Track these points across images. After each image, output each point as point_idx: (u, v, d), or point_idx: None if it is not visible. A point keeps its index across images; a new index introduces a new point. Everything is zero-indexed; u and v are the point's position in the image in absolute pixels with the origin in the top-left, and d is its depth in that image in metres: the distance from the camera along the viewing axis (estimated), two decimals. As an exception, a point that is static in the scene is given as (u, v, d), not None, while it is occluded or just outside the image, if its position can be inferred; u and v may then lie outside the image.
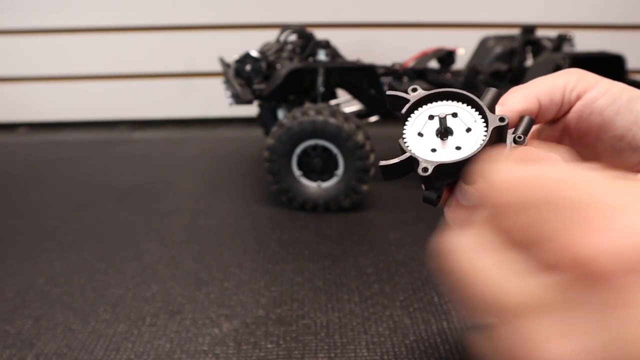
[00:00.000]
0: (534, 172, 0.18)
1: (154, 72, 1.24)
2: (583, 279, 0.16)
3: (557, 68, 0.97)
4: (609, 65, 0.90)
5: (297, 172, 0.75)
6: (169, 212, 0.76)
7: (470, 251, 0.19)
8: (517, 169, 0.19)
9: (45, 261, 0.63)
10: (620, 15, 1.24)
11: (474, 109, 0.28)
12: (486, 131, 0.27)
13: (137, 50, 1.22)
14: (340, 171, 0.74)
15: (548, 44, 0.93)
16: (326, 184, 0.75)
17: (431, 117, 0.28)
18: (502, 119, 0.27)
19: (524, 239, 0.17)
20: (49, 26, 1.18)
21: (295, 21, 1.08)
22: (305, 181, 0.75)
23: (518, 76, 0.90)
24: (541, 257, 0.17)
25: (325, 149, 0.73)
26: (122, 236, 0.69)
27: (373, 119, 0.95)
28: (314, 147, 0.73)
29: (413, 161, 0.26)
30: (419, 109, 0.28)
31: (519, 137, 0.29)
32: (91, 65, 1.23)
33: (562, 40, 0.93)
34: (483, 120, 0.28)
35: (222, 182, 0.88)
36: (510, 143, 0.28)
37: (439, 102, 0.28)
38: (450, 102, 0.28)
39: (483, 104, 0.28)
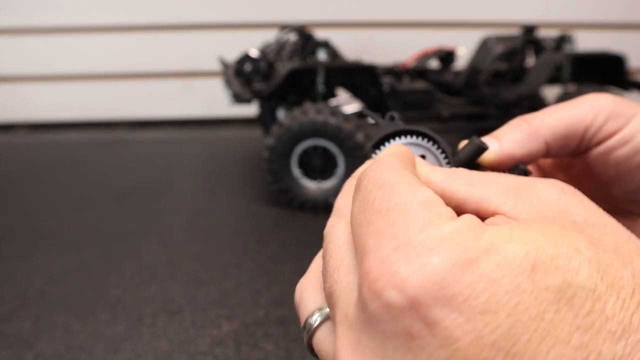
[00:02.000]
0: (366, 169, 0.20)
1: (153, 72, 1.24)
2: (376, 300, 0.16)
3: (558, 68, 0.97)
4: (609, 65, 0.90)
5: (297, 172, 0.75)
6: (169, 212, 0.76)
7: (334, 242, 0.20)
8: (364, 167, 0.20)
9: (44, 261, 0.63)
10: (621, 14, 1.24)
11: (443, 155, 0.26)
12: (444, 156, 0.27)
13: (137, 50, 1.22)
14: (340, 171, 0.74)
15: (549, 44, 0.93)
16: (326, 184, 0.75)
17: None
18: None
19: (356, 242, 0.18)
20: (48, 26, 1.18)
21: (295, 21, 1.07)
22: (305, 181, 0.75)
23: (519, 76, 0.90)
24: (358, 267, 0.17)
25: (325, 149, 0.73)
26: (121, 236, 0.69)
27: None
28: (314, 148, 0.73)
29: None
30: (391, 140, 0.28)
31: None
32: (91, 65, 1.23)
33: (562, 39, 0.92)
34: (438, 148, 0.27)
35: (222, 182, 0.88)
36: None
37: (412, 139, 0.27)
38: (422, 140, 0.26)
39: (457, 157, 0.26)
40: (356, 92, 0.87)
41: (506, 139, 0.26)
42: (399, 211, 0.17)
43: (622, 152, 0.27)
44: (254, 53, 0.83)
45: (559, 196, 0.18)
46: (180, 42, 1.21)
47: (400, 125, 0.27)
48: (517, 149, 0.26)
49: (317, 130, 0.71)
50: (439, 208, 0.17)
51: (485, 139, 0.26)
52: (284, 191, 0.75)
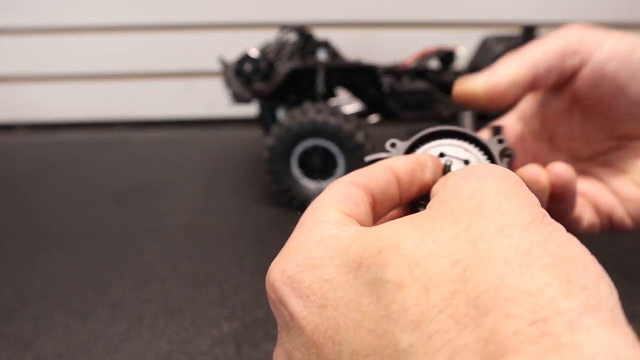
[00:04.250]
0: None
1: (153, 72, 1.24)
2: (269, 299, 0.22)
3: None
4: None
5: (296, 172, 0.74)
6: (169, 213, 0.76)
7: None
8: None
9: (44, 262, 0.63)
10: (622, 13, 1.24)
11: (461, 140, 0.26)
12: (487, 157, 0.26)
13: (137, 50, 1.22)
14: (340, 171, 0.74)
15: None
16: (326, 184, 0.75)
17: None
18: (500, 141, 0.25)
19: None
20: (47, 25, 1.18)
21: (295, 21, 1.07)
22: (305, 181, 0.75)
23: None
24: None
25: (325, 149, 0.73)
26: (121, 236, 0.69)
27: (373, 118, 0.95)
28: (314, 148, 0.73)
29: None
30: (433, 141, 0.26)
31: (507, 151, 0.26)
32: (91, 65, 1.23)
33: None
34: (478, 148, 0.26)
35: (222, 182, 0.88)
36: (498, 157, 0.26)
37: (426, 145, 0.26)
38: (436, 141, 0.26)
39: (472, 133, 0.26)
40: (356, 92, 0.86)
41: (499, 68, 0.29)
42: (298, 227, 0.22)
43: (612, 65, 0.29)
44: (254, 53, 0.83)
45: (467, 182, 0.19)
46: (180, 42, 1.21)
47: (405, 145, 0.26)
48: (510, 72, 0.29)
49: (317, 130, 0.71)
50: (325, 226, 0.20)
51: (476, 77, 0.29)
52: (284, 191, 0.75)
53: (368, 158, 0.26)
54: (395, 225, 0.18)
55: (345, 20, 1.20)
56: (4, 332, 0.50)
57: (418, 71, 0.89)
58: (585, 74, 0.30)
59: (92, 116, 1.27)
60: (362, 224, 0.22)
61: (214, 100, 1.23)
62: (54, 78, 1.23)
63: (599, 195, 0.32)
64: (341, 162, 0.73)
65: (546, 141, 0.34)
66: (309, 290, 0.19)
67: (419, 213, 0.19)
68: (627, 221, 0.32)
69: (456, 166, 0.25)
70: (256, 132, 1.05)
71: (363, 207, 0.23)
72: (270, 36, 0.96)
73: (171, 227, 0.71)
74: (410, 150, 0.26)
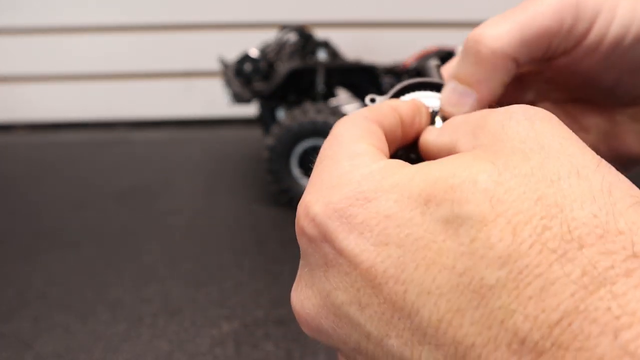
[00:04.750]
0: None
1: (153, 72, 1.24)
2: (302, 236, 0.19)
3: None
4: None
5: (296, 172, 0.74)
6: (169, 213, 0.76)
7: None
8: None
9: (43, 262, 0.63)
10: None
11: (435, 91, 0.27)
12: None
13: (137, 50, 1.21)
14: (340, 171, 0.74)
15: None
16: (326, 184, 0.75)
17: None
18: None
19: None
20: (47, 25, 1.18)
21: (295, 21, 1.07)
22: (305, 181, 0.75)
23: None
24: None
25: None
26: (121, 236, 0.69)
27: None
28: (314, 148, 0.73)
29: None
30: (413, 93, 0.27)
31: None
32: (91, 65, 1.23)
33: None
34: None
35: (222, 182, 0.88)
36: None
37: (403, 98, 0.27)
38: (412, 94, 0.27)
39: (440, 81, 0.27)
40: (356, 92, 0.86)
41: (483, 86, 0.25)
42: (329, 160, 0.20)
43: (595, 56, 0.25)
44: (254, 53, 0.83)
45: (517, 122, 0.18)
46: (180, 42, 1.21)
47: (383, 98, 0.27)
48: (496, 91, 0.25)
49: (317, 130, 0.71)
50: (364, 159, 0.19)
51: (454, 87, 0.26)
52: (284, 191, 0.75)
53: (367, 98, 0.26)
54: (464, 161, 0.17)
55: (345, 20, 1.20)
56: (3, 332, 0.50)
57: (418, 71, 0.89)
58: (569, 60, 0.26)
59: (92, 116, 1.27)
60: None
61: (214, 100, 1.23)
62: (54, 78, 1.23)
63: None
64: (341, 162, 0.73)
65: None
66: (363, 227, 0.17)
67: (482, 150, 0.18)
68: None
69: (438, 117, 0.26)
70: (256, 132, 1.05)
71: (385, 144, 0.22)
72: (270, 36, 0.96)
73: (171, 227, 0.71)
74: (405, 90, 0.27)
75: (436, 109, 0.26)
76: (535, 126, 0.17)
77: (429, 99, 0.26)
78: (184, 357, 0.46)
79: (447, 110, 0.25)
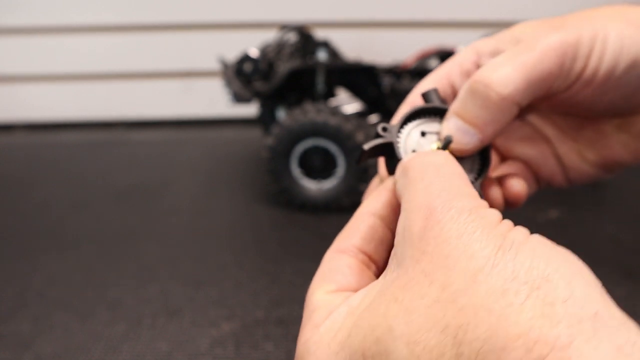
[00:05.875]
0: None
1: (153, 72, 1.24)
2: None
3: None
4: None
5: (296, 172, 0.74)
6: (168, 213, 0.76)
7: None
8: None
9: (43, 262, 0.63)
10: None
11: (438, 116, 0.29)
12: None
13: (137, 50, 1.21)
14: (340, 171, 0.74)
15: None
16: (326, 184, 0.75)
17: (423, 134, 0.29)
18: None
19: None
20: (47, 25, 1.18)
21: (295, 20, 1.07)
22: (305, 181, 0.75)
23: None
24: None
25: (325, 149, 0.73)
26: (121, 236, 0.69)
27: (373, 118, 0.95)
28: (314, 148, 0.73)
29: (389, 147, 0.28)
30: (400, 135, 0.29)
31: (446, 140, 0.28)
32: (90, 65, 1.23)
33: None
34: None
35: (222, 182, 0.88)
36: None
37: (410, 125, 0.29)
38: (417, 120, 0.29)
39: (446, 107, 0.28)
40: (356, 92, 0.86)
41: (489, 128, 0.26)
42: (302, 325, 0.24)
43: (589, 90, 0.26)
44: (254, 53, 0.82)
45: (425, 229, 0.19)
46: (180, 41, 1.21)
47: (395, 127, 0.29)
48: (499, 132, 0.26)
49: (317, 130, 0.71)
50: (319, 316, 0.22)
51: (458, 125, 0.27)
52: (283, 191, 0.75)
53: (366, 146, 0.27)
54: (382, 305, 0.19)
55: (345, 20, 1.20)
56: (3, 332, 0.49)
57: (418, 71, 0.89)
58: (584, 82, 0.26)
59: (91, 116, 1.27)
60: (353, 289, 0.23)
61: (214, 100, 1.23)
62: (53, 78, 1.23)
63: (543, 164, 0.33)
64: (341, 162, 0.73)
65: None
66: None
67: (396, 282, 0.19)
68: (563, 183, 0.33)
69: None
70: (256, 132, 1.05)
71: (349, 273, 0.24)
72: (270, 36, 0.96)
73: (171, 227, 0.71)
74: (399, 130, 0.28)
75: (438, 133, 0.28)
76: (444, 230, 0.18)
77: (428, 125, 0.28)
78: (183, 357, 0.46)
79: (451, 147, 0.27)
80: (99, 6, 1.17)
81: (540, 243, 0.17)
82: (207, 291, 0.56)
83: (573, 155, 0.32)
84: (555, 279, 0.15)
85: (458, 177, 0.21)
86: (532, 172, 0.33)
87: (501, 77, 0.24)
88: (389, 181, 0.27)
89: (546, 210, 0.73)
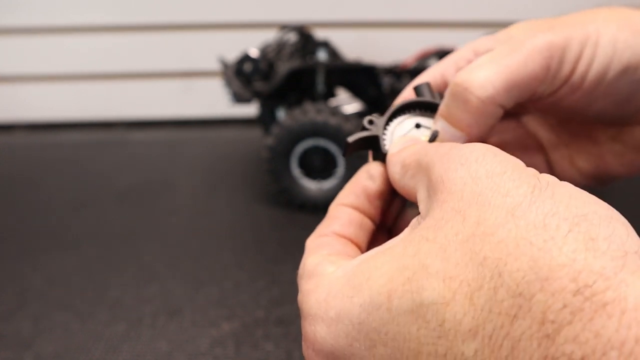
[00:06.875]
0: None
1: (153, 72, 1.24)
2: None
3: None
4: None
5: (296, 172, 0.74)
6: (169, 212, 0.76)
7: None
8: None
9: (43, 262, 0.63)
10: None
11: (429, 110, 0.29)
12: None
13: (136, 50, 1.21)
14: (340, 171, 0.74)
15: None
16: (326, 184, 0.75)
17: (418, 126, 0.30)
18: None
19: None
20: (47, 25, 1.18)
21: (295, 20, 1.07)
22: (305, 181, 0.75)
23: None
24: None
25: (325, 149, 0.73)
26: (121, 236, 0.69)
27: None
28: (314, 148, 0.73)
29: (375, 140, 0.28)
30: (385, 131, 0.30)
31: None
32: (91, 65, 1.23)
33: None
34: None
35: (222, 183, 0.88)
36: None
37: (399, 118, 0.29)
38: (407, 114, 0.29)
39: (438, 102, 0.28)
40: (356, 92, 0.86)
41: (473, 129, 0.26)
42: (301, 296, 0.23)
43: (578, 94, 0.26)
44: (254, 53, 0.82)
45: (454, 171, 0.19)
46: (180, 42, 1.21)
47: (382, 120, 0.29)
48: (485, 132, 0.26)
49: (317, 130, 0.71)
50: (324, 269, 0.22)
51: (445, 127, 0.27)
52: (283, 191, 0.75)
53: (350, 139, 0.28)
54: (411, 246, 0.18)
55: (345, 20, 1.20)
56: (3, 332, 0.49)
57: (418, 71, 0.89)
58: (573, 85, 0.26)
59: (91, 116, 1.27)
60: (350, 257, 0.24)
61: (214, 100, 1.23)
62: (53, 78, 1.23)
63: None
64: (341, 162, 0.73)
65: None
66: (351, 339, 0.19)
67: (424, 225, 0.19)
68: None
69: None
70: (256, 132, 1.05)
71: (338, 243, 0.25)
72: (270, 36, 0.96)
73: (171, 227, 0.71)
74: (387, 124, 0.29)
75: (430, 129, 0.28)
76: (471, 170, 0.18)
77: (422, 118, 0.28)
78: (183, 357, 0.46)
79: None
80: (99, 6, 1.17)
81: (574, 187, 0.17)
82: (207, 291, 0.56)
83: (565, 163, 0.32)
84: (596, 218, 0.15)
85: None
86: None
87: (480, 79, 0.24)
88: (361, 173, 0.28)
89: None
